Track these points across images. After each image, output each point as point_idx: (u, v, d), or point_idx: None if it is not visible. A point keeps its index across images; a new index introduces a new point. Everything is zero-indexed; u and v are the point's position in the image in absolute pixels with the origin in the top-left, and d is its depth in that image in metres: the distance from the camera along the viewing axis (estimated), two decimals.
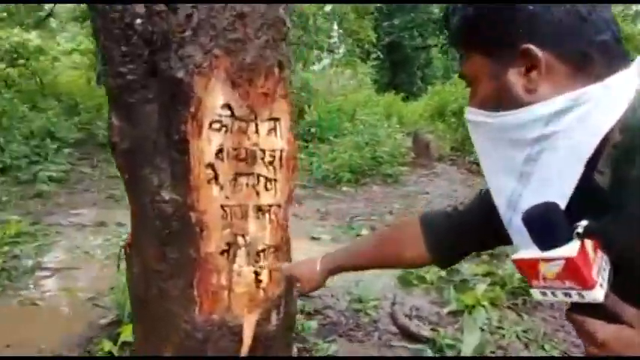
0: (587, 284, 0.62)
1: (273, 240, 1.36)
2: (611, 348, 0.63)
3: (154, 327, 1.43)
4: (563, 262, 0.63)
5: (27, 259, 3.91)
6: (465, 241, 1.05)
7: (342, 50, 21.25)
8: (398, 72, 24.13)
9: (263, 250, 1.35)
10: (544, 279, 0.66)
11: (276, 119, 1.29)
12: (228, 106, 1.21)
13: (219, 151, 1.23)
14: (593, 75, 0.67)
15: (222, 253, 1.31)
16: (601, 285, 0.62)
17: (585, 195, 0.67)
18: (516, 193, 0.74)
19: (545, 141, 0.68)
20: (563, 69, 0.68)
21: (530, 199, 0.70)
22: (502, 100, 0.72)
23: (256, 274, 1.35)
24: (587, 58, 0.67)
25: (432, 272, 3.59)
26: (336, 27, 18.80)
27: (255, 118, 1.26)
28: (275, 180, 1.33)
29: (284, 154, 1.33)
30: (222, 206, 1.28)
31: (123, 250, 1.44)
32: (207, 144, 1.21)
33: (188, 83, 1.16)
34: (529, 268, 0.68)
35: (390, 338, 2.87)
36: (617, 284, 0.65)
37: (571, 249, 0.62)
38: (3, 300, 3.25)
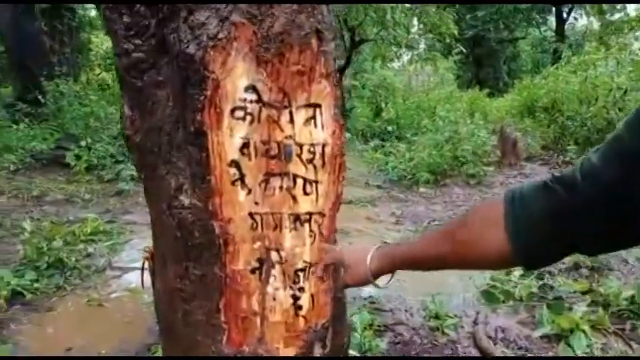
0: None
1: (316, 257, 1.09)
2: None
3: (179, 356, 1.21)
4: None
5: (99, 258, 3.95)
6: (571, 233, 0.71)
7: (422, 45, 20.59)
8: (482, 67, 23.12)
9: (303, 270, 1.08)
10: None
11: (316, 105, 1.02)
12: (253, 89, 0.96)
13: (245, 145, 0.98)
14: None
15: (252, 271, 1.06)
16: None
17: None
18: None
19: None
20: None
21: None
22: None
23: (295, 298, 1.08)
24: None
25: (522, 287, 3.16)
26: (415, 21, 18.19)
27: (289, 104, 1.00)
28: (316, 182, 1.06)
29: (327, 150, 1.05)
30: (250, 214, 1.02)
31: (145, 261, 1.24)
32: (229, 136, 0.97)
33: (202, 60, 0.92)
34: None
35: None
36: None
37: None
38: (72, 300, 3.26)
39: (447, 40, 18.32)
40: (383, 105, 13.63)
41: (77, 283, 3.48)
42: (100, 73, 14.23)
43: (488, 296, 3.15)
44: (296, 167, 1.03)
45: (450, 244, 0.87)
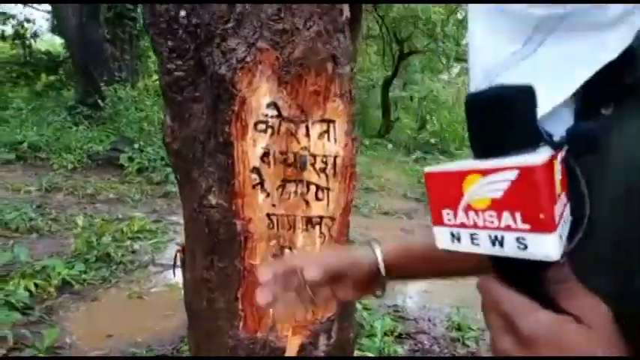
0: (541, 222, 0.34)
1: None
2: (538, 348, 0.36)
3: (202, 341, 1.36)
4: (515, 174, 0.34)
5: (144, 255, 4.20)
6: None
7: None
8: None
9: None
10: (468, 208, 0.38)
11: (330, 121, 1.15)
12: (274, 106, 1.10)
13: (265, 154, 1.13)
14: None
15: None
16: (560, 236, 0.35)
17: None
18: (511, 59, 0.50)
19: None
20: None
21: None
22: None
23: None
24: None
25: None
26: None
27: (306, 119, 1.13)
28: (328, 189, 1.19)
29: (338, 161, 1.18)
30: (268, 215, 1.17)
31: (178, 254, 1.40)
32: (252, 146, 1.11)
33: (231, 80, 1.07)
34: (447, 188, 0.39)
35: None
36: (580, 254, 0.39)
37: (534, 157, 0.35)
38: (116, 292, 3.51)
39: None
40: (428, 117, 13.63)
41: (121, 277, 3.73)
42: (156, 80, 14.91)
43: None
44: (310, 175, 1.16)
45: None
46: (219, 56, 1.07)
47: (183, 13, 1.08)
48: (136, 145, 7.58)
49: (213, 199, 1.19)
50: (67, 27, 10.61)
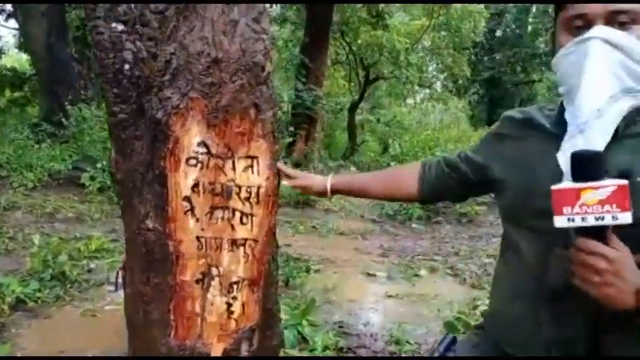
0: (626, 207, 0.83)
1: (248, 273, 1.41)
2: (620, 264, 0.85)
3: (140, 349, 1.53)
4: (614, 188, 0.83)
5: (99, 274, 4.28)
6: (448, 191, 1.38)
7: (437, 85, 21.11)
8: (497, 107, 23.49)
9: (236, 282, 1.40)
10: (581, 205, 0.85)
11: (253, 157, 1.36)
12: (204, 144, 1.30)
13: (195, 185, 1.32)
14: None
15: (197, 281, 1.38)
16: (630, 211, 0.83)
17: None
18: (609, 110, 0.94)
19: None
20: None
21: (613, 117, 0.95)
22: None
23: (228, 304, 1.40)
24: None
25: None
26: (433, 62, 18.77)
27: (232, 155, 1.34)
28: (252, 215, 1.39)
29: (261, 191, 1.38)
30: (197, 237, 1.36)
31: (119, 271, 1.57)
32: (184, 178, 1.31)
33: (166, 123, 1.27)
34: (567, 197, 0.86)
35: None
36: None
37: (620, 180, 0.84)
38: (70, 309, 3.58)
39: (459, 81, 18.88)
40: (390, 141, 14.04)
41: (76, 295, 3.80)
42: None
43: (450, 327, 3.40)
44: (235, 203, 1.36)
45: (384, 180, 1.48)
46: (157, 103, 1.27)
47: (127, 66, 1.28)
48: (99, 165, 7.60)
49: (150, 223, 1.37)
50: (34, 44, 10.58)
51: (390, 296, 4.25)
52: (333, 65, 16.69)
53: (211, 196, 1.34)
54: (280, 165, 1.45)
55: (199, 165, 1.31)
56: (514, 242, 1.13)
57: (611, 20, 0.95)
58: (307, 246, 5.56)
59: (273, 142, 1.41)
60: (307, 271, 4.53)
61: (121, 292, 3.61)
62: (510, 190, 1.13)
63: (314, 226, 6.71)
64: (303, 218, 7.06)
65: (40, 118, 10.68)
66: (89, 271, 4.27)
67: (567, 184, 0.88)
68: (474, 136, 15.30)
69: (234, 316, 1.41)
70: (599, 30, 0.94)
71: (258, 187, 1.38)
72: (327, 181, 1.48)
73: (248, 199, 1.38)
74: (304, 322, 3.19)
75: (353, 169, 11.80)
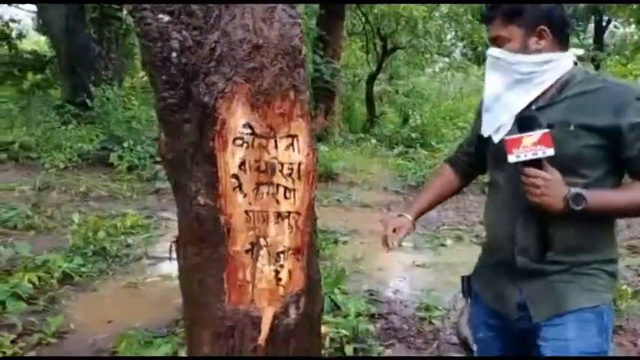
0: (550, 146, 1.31)
1: (293, 243, 1.52)
2: (551, 181, 1.32)
3: (195, 315, 1.67)
4: (541, 134, 1.32)
5: (137, 249, 4.49)
6: (475, 170, 1.82)
7: (457, 53, 20.72)
8: None
9: (283, 252, 1.52)
10: (524, 147, 1.33)
11: (294, 136, 1.46)
12: (249, 125, 1.40)
13: (242, 163, 1.43)
14: (564, 47, 1.48)
15: (247, 251, 1.50)
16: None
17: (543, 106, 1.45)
18: (504, 96, 1.49)
19: (531, 74, 1.45)
20: (555, 41, 1.46)
21: (512, 99, 1.48)
22: (521, 51, 1.44)
23: (276, 272, 1.52)
24: (566, 38, 1.49)
25: None
26: (451, 30, 18.40)
27: (274, 135, 1.43)
28: (294, 190, 1.49)
29: (302, 167, 1.48)
30: (246, 211, 1.47)
31: (173, 245, 1.70)
32: (232, 157, 1.41)
33: (213, 106, 1.37)
34: (514, 143, 1.35)
35: (448, 349, 2.88)
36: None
37: (545, 129, 1.32)
38: (113, 282, 3.80)
39: (479, 48, 18.51)
40: (410, 112, 13.98)
41: (117, 269, 4.02)
42: (143, 77, 15.05)
43: None
44: (279, 179, 1.47)
45: (437, 190, 1.86)
46: (204, 88, 1.37)
47: (174, 54, 1.37)
48: (126, 144, 7.80)
49: (201, 200, 1.49)
50: (52, 28, 10.75)
51: (417, 265, 4.37)
52: (349, 36, 16.54)
53: (257, 173, 1.44)
54: (396, 235, 1.79)
55: (245, 145, 1.41)
56: (494, 180, 1.59)
57: (495, 43, 1.51)
58: (333, 218, 5.69)
59: (310, 121, 1.50)
60: (335, 242, 4.67)
61: (160, 266, 3.81)
62: (488, 146, 1.59)
63: (338, 199, 6.84)
64: (328, 192, 7.19)
65: (63, 99, 10.90)
66: (127, 246, 4.48)
67: (513, 135, 1.38)
68: None
69: (282, 282, 1.53)
70: (491, 50, 1.53)
71: (299, 164, 1.48)
72: (411, 219, 1.81)
73: (290, 174, 1.48)
74: (336, 291, 3.33)
75: (373, 141, 11.83)
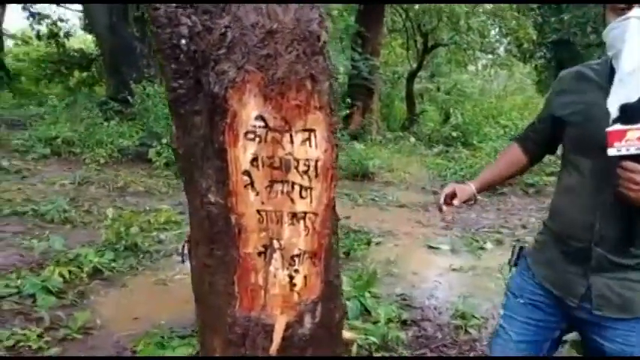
0: None
1: (309, 246, 1.41)
2: None
3: (207, 318, 1.58)
4: None
5: (169, 245, 4.48)
6: (544, 150, 1.77)
7: (501, 50, 20.08)
8: None
9: (298, 255, 1.40)
10: (627, 140, 1.24)
11: (310, 130, 1.33)
12: (261, 118, 1.29)
13: (254, 159, 1.32)
14: None
15: (259, 254, 1.39)
16: None
17: None
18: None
19: None
20: None
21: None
22: None
23: (291, 277, 1.41)
24: None
25: None
26: (495, 26, 17.83)
27: (290, 128, 1.32)
28: (310, 188, 1.37)
29: (319, 164, 1.36)
30: (258, 211, 1.36)
31: (185, 245, 1.61)
32: (243, 152, 1.31)
33: (224, 97, 1.26)
34: (617, 135, 1.26)
35: None
36: None
37: None
38: (142, 278, 3.78)
39: (524, 45, 17.87)
40: (451, 110, 13.60)
41: (148, 265, 4.01)
42: None
43: None
44: (294, 176, 1.35)
45: (504, 165, 1.82)
46: (214, 77, 1.27)
47: (183, 41, 1.28)
48: (164, 140, 7.87)
49: (212, 197, 1.39)
50: (97, 26, 11.02)
51: (454, 269, 4.17)
52: (390, 33, 16.27)
53: (270, 169, 1.33)
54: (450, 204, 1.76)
55: (257, 139, 1.30)
56: (576, 165, 1.50)
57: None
58: (367, 218, 5.54)
59: (331, 114, 1.37)
60: (368, 243, 4.52)
61: (188, 264, 3.76)
62: (574, 129, 1.50)
63: (373, 199, 6.68)
64: (363, 191, 7.04)
65: (107, 96, 11.17)
66: (159, 242, 4.48)
67: (617, 126, 1.27)
68: (541, 103, 14.56)
69: (297, 288, 1.41)
70: (636, 11, 1.28)
71: (317, 161, 1.36)
72: (474, 188, 1.77)
73: (306, 172, 1.36)
74: (367, 294, 3.19)
75: (412, 139, 11.58)
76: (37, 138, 8.18)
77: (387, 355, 2.62)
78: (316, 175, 1.37)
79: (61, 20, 15.08)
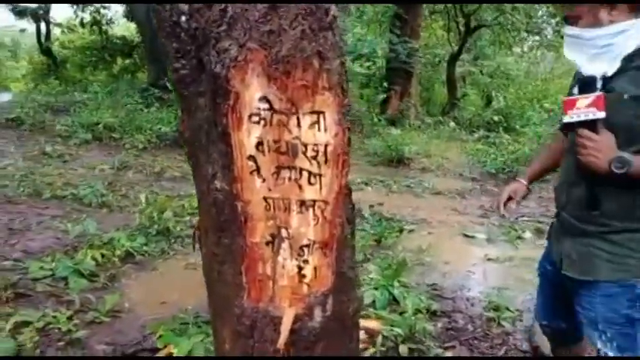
0: (601, 108, 1.42)
1: (319, 236, 1.33)
2: (600, 144, 1.42)
3: (217, 307, 1.53)
4: (594, 97, 1.43)
5: None
6: None
7: (548, 31, 19.22)
8: None
9: (307, 245, 1.33)
10: (577, 108, 1.44)
11: (319, 112, 1.25)
12: (266, 100, 1.21)
13: (260, 143, 1.24)
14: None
15: (267, 243, 1.33)
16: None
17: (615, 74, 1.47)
18: (583, 67, 1.53)
19: (608, 46, 1.46)
20: (630, 9, 1.44)
21: (588, 68, 1.52)
22: (595, 25, 1.47)
23: (300, 268, 1.33)
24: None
25: None
26: (542, 5, 17.03)
27: (296, 111, 1.23)
28: (320, 175, 1.29)
29: (329, 149, 1.27)
30: (265, 198, 1.29)
31: (195, 231, 1.57)
32: (247, 136, 1.23)
33: (225, 77, 1.19)
34: (569, 104, 1.46)
35: (517, 355, 2.57)
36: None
37: (598, 93, 1.43)
38: (174, 262, 3.81)
39: None
40: (494, 94, 13.14)
41: (179, 250, 4.04)
42: None
43: None
44: (302, 162, 1.27)
45: (551, 155, 1.90)
46: (215, 56, 1.19)
47: (183, 18, 1.21)
48: None
49: (218, 183, 1.33)
50: (137, 14, 11.19)
51: (489, 259, 4.01)
52: (430, 15, 15.80)
53: (277, 155, 1.26)
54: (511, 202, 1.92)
55: (262, 122, 1.23)
56: (567, 143, 1.69)
57: (569, 21, 1.55)
58: (400, 205, 5.42)
59: (342, 95, 1.27)
60: (400, 231, 4.41)
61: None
62: None
63: (408, 185, 6.53)
64: (398, 177, 6.89)
65: (148, 83, 11.37)
66: (192, 226, 4.50)
67: (570, 96, 1.51)
68: None
69: (306, 280, 1.34)
70: (565, 29, 1.59)
71: (326, 145, 1.27)
72: (525, 183, 1.90)
73: (315, 157, 1.27)
74: (395, 283, 3.10)
75: (452, 124, 11.26)
76: (79, 124, 8.42)
77: (413, 346, 2.53)
78: (326, 161, 1.28)
79: (104, 7, 15.41)
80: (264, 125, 1.23)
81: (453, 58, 14.36)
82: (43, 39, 18.17)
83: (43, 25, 18.04)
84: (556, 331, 1.93)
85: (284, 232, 1.32)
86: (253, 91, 1.20)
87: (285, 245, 1.33)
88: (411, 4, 11.31)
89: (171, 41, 1.26)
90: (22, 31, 19.94)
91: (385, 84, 11.07)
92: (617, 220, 1.48)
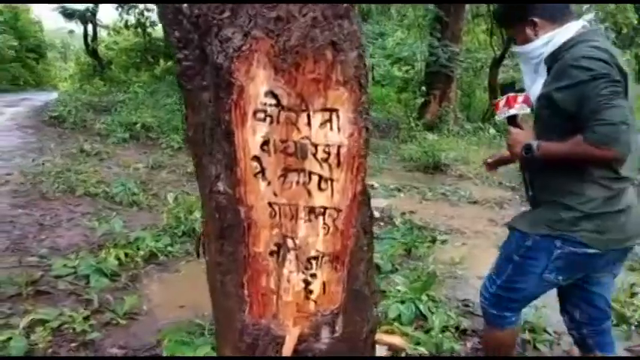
0: (512, 107, 1.83)
1: (329, 248, 1.19)
2: (517, 135, 1.76)
3: (219, 321, 1.42)
4: (507, 98, 1.85)
5: None
6: None
7: None
8: None
9: (315, 258, 1.19)
10: (500, 108, 1.87)
11: (332, 110, 1.11)
12: (272, 94, 1.09)
13: (265, 142, 1.12)
14: (560, 23, 1.71)
15: (271, 254, 1.20)
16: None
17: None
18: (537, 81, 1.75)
19: (541, 55, 1.73)
20: (549, 22, 1.73)
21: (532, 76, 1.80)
22: (527, 41, 1.77)
23: (306, 282, 1.20)
24: (560, 15, 1.72)
25: None
26: (590, 10, 16.36)
27: (307, 107, 1.11)
28: (331, 179, 1.15)
29: (342, 150, 1.14)
30: (270, 203, 1.17)
31: (200, 237, 1.46)
32: (252, 135, 1.12)
33: (228, 68, 1.07)
34: (497, 105, 1.90)
35: None
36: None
37: (510, 94, 1.86)
38: (196, 264, 3.70)
39: (625, 31, 16.24)
40: None
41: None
42: None
43: None
44: (311, 165, 1.14)
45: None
46: (218, 45, 1.08)
47: (185, 4, 1.11)
48: None
49: (221, 186, 1.22)
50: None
51: None
52: (473, 19, 15.40)
53: (284, 156, 1.13)
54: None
55: (268, 119, 1.11)
56: None
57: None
58: (435, 214, 5.20)
59: (359, 91, 1.14)
60: (432, 241, 4.21)
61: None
62: None
63: (444, 193, 6.29)
64: (433, 184, 6.66)
65: None
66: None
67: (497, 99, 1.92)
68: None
69: (313, 296, 1.21)
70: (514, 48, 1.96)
71: (339, 147, 1.14)
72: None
73: (326, 160, 1.14)
74: (424, 297, 2.92)
75: (492, 131, 10.90)
76: (118, 123, 8.56)
77: None
78: (338, 164, 1.15)
79: (147, 10, 15.73)
80: (271, 123, 1.11)
81: (496, 63, 13.92)
82: (89, 40, 18.78)
83: (90, 27, 18.65)
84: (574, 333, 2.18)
85: (290, 242, 1.19)
86: (259, 85, 1.09)
87: (290, 256, 1.20)
88: (452, 7, 11.02)
89: (173, 29, 1.16)
90: (71, 32, 20.67)
91: (424, 88, 10.82)
92: (546, 195, 1.75)
